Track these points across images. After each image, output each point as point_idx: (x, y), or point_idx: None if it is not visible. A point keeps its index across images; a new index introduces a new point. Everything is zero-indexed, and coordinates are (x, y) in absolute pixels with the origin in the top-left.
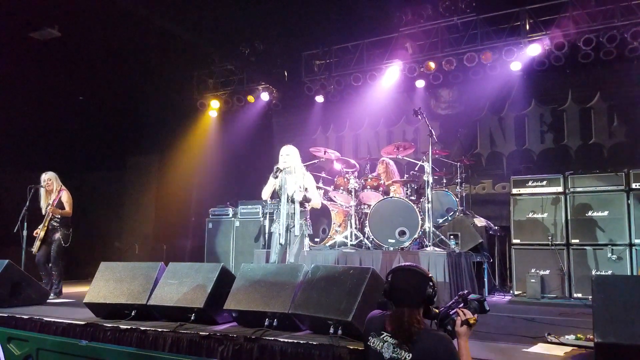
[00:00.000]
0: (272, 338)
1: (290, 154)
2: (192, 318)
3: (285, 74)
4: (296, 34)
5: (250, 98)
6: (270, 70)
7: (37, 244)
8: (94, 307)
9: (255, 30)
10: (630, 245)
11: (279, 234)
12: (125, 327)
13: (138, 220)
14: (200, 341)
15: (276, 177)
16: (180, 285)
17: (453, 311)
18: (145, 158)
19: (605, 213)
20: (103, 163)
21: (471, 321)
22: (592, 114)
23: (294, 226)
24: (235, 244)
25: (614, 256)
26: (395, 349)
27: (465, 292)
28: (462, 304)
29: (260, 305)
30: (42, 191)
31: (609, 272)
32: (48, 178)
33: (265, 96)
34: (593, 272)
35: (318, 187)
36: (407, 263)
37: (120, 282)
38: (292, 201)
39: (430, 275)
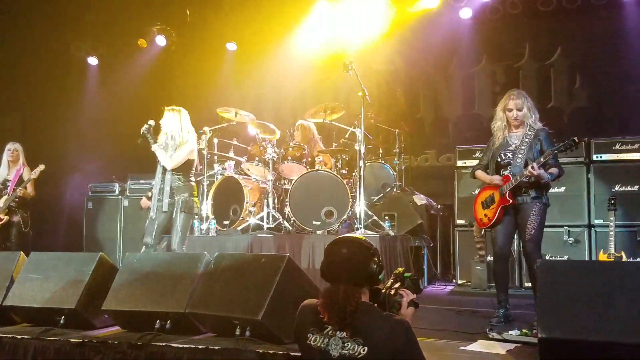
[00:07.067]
0: (164, 344)
1: (168, 118)
2: (61, 322)
3: (188, 12)
4: None
5: (142, 42)
6: (166, 9)
7: None
8: None
9: None
10: (590, 226)
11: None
12: None
13: None
14: (71, 350)
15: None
16: (45, 280)
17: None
18: (2, 119)
19: (562, 189)
20: None
21: (416, 301)
22: (552, 72)
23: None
24: (124, 228)
25: (570, 239)
26: (346, 343)
27: (401, 270)
28: (398, 284)
29: (150, 305)
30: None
31: (565, 257)
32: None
33: (161, 40)
34: (547, 257)
35: (228, 158)
36: (347, 234)
37: None
38: (164, 172)
39: (375, 248)
